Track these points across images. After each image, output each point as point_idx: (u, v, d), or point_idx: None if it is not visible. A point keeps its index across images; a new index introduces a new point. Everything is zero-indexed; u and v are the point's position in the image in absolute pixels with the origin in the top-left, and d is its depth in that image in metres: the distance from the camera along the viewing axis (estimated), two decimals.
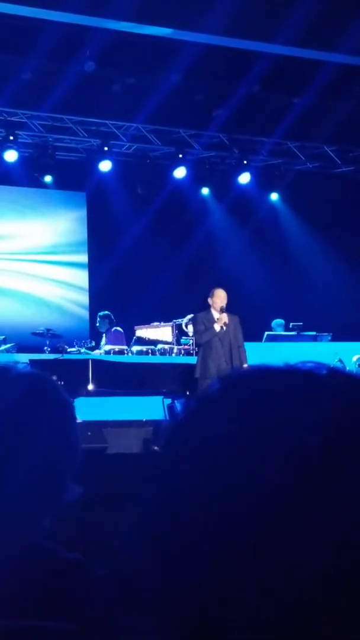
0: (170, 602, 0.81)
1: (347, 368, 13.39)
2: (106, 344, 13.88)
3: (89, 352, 13.47)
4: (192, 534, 0.80)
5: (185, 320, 13.78)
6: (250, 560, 0.78)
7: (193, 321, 11.83)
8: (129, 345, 13.73)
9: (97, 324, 14.47)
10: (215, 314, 11.36)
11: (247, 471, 0.79)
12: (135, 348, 13.48)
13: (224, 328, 11.27)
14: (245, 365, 11.14)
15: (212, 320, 11.33)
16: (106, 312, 14.44)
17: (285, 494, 0.78)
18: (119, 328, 14.34)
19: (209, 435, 0.83)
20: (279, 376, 0.87)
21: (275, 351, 13.63)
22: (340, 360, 13.34)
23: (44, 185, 16.51)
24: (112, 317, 14.34)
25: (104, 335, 14.23)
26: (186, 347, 13.47)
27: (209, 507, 0.80)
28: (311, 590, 0.76)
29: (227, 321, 11.29)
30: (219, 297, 11.42)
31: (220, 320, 11.28)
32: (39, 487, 1.68)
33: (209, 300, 11.47)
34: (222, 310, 11.34)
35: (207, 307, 11.48)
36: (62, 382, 11.34)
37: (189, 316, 13.32)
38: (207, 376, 11.16)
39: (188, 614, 0.80)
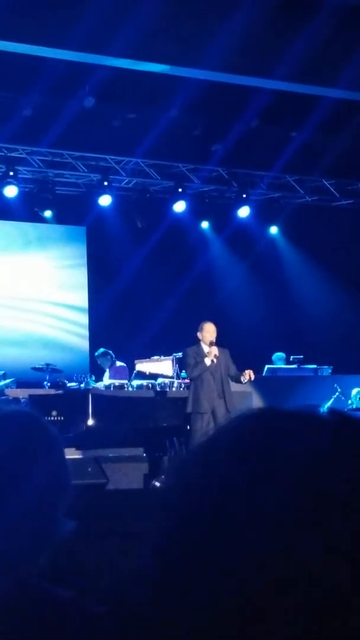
0: (190, 636, 0.80)
1: (348, 401, 13.37)
2: (110, 378, 13.85)
3: (94, 383, 13.44)
4: (209, 566, 0.80)
5: None
6: (270, 591, 0.77)
7: (183, 355, 11.68)
8: (129, 379, 13.70)
9: (99, 363, 14.44)
10: (205, 348, 11.23)
11: (252, 505, 0.81)
12: (135, 382, 13.45)
13: (215, 362, 11.18)
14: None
15: (202, 355, 11.19)
16: (102, 349, 14.42)
17: (292, 530, 0.79)
18: (122, 363, 14.30)
19: (215, 470, 0.85)
20: (282, 418, 0.89)
21: (275, 384, 13.60)
22: (341, 394, 13.32)
23: (44, 220, 16.58)
24: (111, 352, 14.32)
25: (107, 370, 14.20)
26: (187, 381, 13.43)
27: (222, 539, 0.80)
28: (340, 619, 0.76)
29: (217, 354, 11.18)
30: (208, 331, 11.30)
31: (210, 353, 11.17)
32: (32, 525, 1.67)
33: (199, 335, 11.34)
34: (211, 344, 11.22)
35: (197, 341, 11.40)
36: (62, 417, 11.35)
37: None
38: (199, 411, 11.04)
39: None
